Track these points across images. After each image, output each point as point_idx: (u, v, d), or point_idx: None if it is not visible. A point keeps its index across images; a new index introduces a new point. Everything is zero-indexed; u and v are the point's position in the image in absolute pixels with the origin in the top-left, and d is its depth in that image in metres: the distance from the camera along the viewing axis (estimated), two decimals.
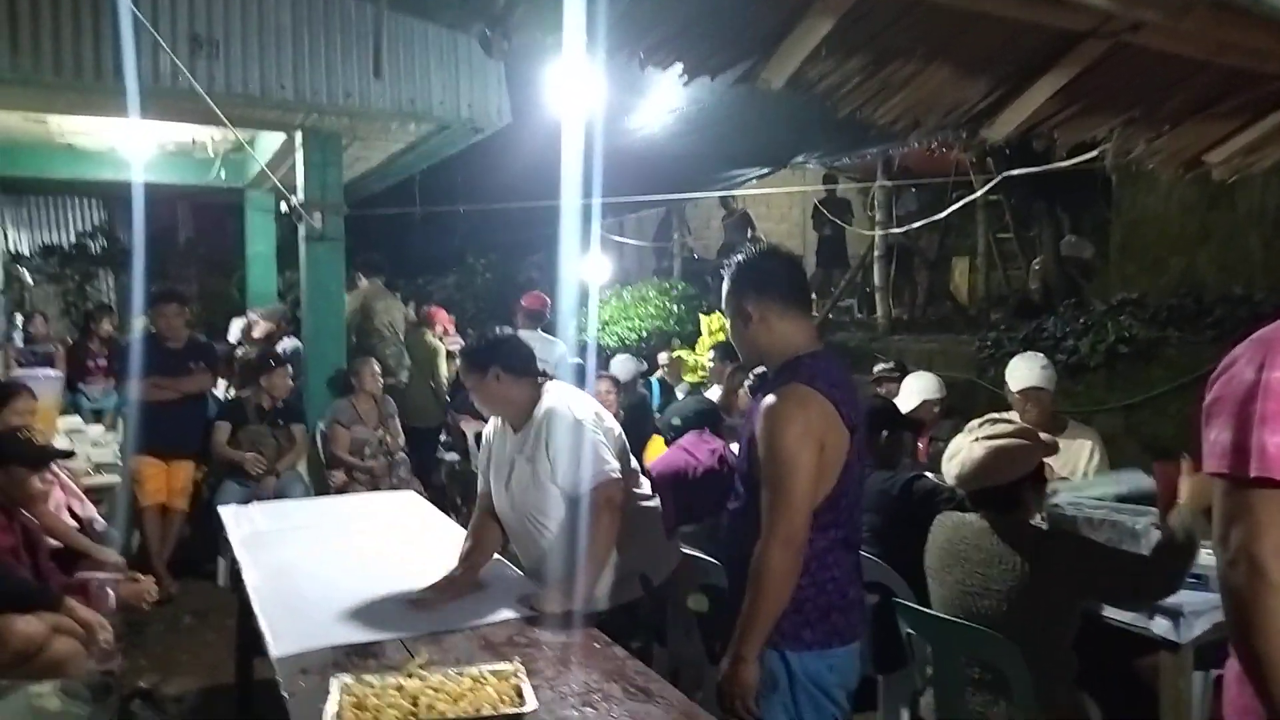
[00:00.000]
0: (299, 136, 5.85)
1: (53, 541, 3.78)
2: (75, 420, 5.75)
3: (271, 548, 3.15)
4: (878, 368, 5.46)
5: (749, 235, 11.02)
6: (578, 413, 2.68)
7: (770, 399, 2.07)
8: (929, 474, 3.37)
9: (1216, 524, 1.26)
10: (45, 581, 3.14)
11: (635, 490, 2.86)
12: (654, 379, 7.09)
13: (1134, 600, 2.55)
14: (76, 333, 8.74)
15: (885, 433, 3.38)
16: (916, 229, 9.27)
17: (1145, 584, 2.40)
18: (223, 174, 8.01)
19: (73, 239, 11.29)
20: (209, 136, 7.10)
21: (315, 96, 4.97)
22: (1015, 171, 5.46)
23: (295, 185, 5.95)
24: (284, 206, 6.04)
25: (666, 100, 5.98)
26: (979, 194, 7.76)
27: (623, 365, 6.83)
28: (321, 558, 3.02)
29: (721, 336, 7.89)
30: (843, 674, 2.15)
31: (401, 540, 3.28)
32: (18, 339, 7.37)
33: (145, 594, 3.33)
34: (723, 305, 2.31)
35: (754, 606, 2.00)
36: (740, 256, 2.27)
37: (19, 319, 7.52)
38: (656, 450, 4.37)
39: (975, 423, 2.63)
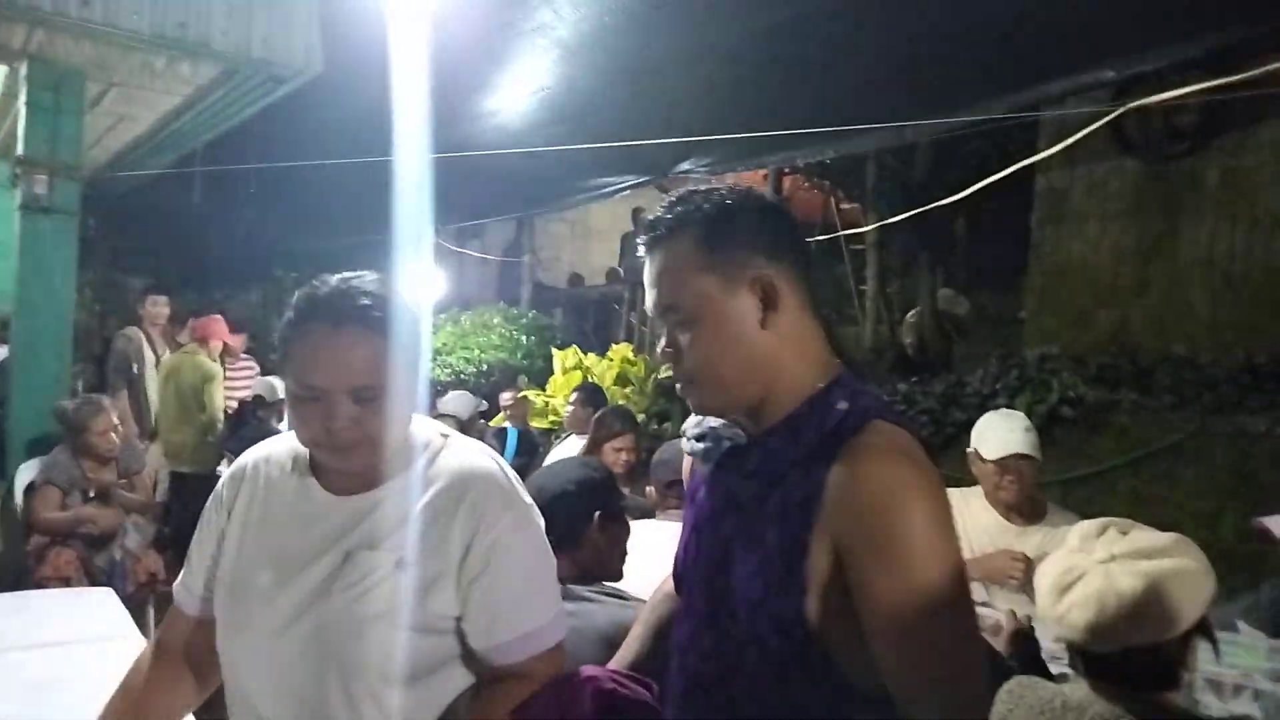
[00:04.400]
0: (22, 69, 4.25)
1: None
2: None
3: None
4: None
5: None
6: (518, 487, 1.31)
7: (855, 462, 1.04)
8: None
9: None
10: None
11: None
12: (509, 425, 5.71)
13: None
14: None
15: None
16: None
17: None
18: None
19: None
20: None
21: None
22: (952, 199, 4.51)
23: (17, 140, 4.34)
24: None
25: (531, 76, 4.78)
26: (865, 228, 6.96)
27: (459, 401, 5.49)
28: None
29: (577, 378, 6.73)
30: None
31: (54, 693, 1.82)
32: None
33: None
34: (669, 281, 1.16)
35: None
36: (715, 191, 1.16)
37: None
38: None
39: (1089, 529, 1.52)
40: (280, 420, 5.90)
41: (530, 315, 9.05)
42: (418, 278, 6.71)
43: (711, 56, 4.33)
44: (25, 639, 2.23)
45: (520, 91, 5.02)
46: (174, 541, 4.72)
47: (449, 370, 8.08)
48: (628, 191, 6.24)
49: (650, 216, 1.20)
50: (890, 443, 1.06)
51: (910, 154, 6.81)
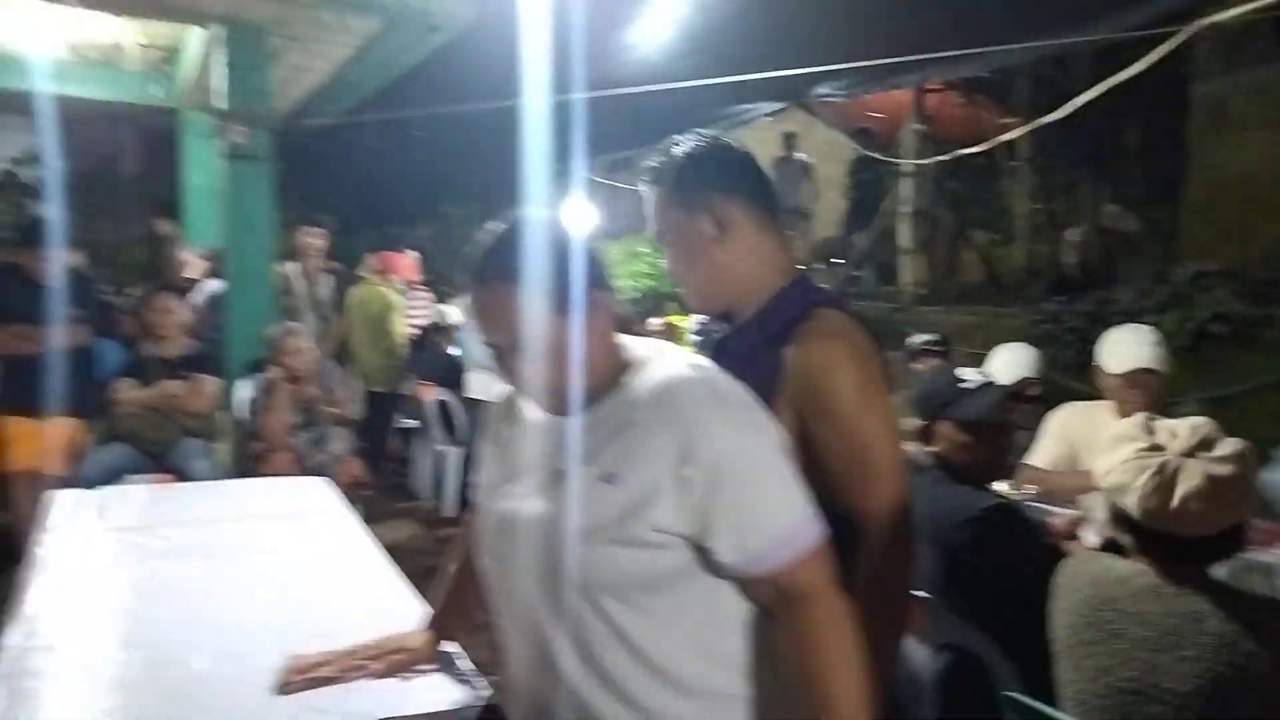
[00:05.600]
0: (217, 31, 4.79)
1: None
2: None
3: (83, 563, 2.18)
4: (915, 339, 4.50)
5: (806, 188, 9.74)
6: (736, 391, 1.28)
7: (802, 343, 1.39)
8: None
9: None
10: None
11: None
12: None
13: None
14: None
15: (989, 425, 2.18)
16: (936, 193, 8.33)
17: None
18: (159, 92, 6.96)
19: (3, 165, 10.18)
20: (130, 40, 6.04)
21: None
22: (1086, 97, 4.27)
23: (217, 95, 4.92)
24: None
25: (668, 9, 4.93)
26: (1017, 132, 6.68)
27: None
28: (146, 584, 2.05)
29: None
30: None
31: (294, 562, 2.29)
32: None
33: None
34: (656, 214, 1.55)
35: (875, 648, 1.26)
36: (688, 143, 1.52)
37: None
38: None
39: (1166, 430, 1.66)
40: (453, 345, 6.48)
41: None
42: (572, 210, 7.08)
43: None
44: (262, 512, 2.75)
45: (659, 23, 5.18)
46: (369, 450, 5.39)
47: None
48: (769, 117, 6.30)
49: (648, 164, 1.56)
50: (827, 325, 1.40)
51: (1067, 64, 6.52)
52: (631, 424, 1.22)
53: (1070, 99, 6.31)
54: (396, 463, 6.68)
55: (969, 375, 2.25)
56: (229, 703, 1.52)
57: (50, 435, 4.32)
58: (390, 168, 9.16)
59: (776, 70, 4.85)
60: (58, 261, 4.26)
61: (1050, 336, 5.26)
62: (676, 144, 1.53)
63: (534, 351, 1.24)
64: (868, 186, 9.54)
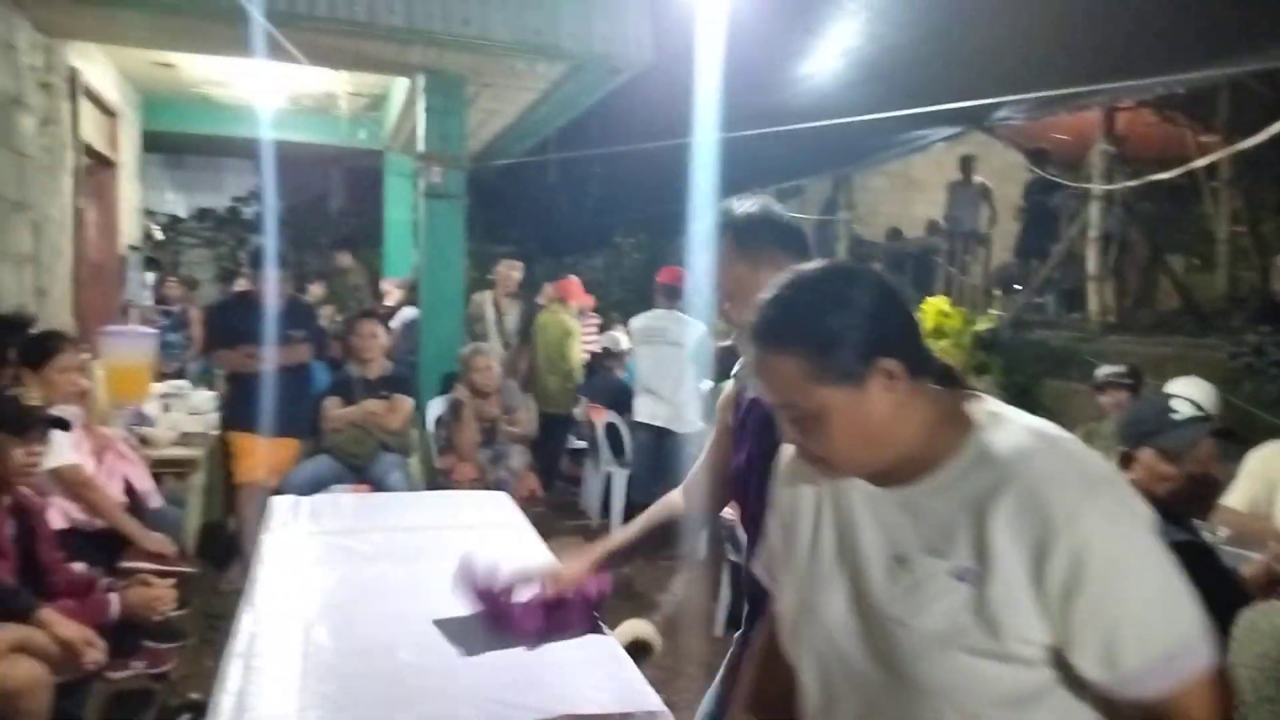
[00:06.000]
0: (420, 81, 5.25)
1: (96, 522, 3.30)
2: (177, 384, 5.35)
3: (303, 561, 2.45)
4: (1103, 372, 4.30)
5: (984, 212, 9.43)
6: (1101, 468, 1.10)
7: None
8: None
9: None
10: (44, 577, 2.56)
11: None
12: None
13: None
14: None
15: (1193, 459, 2.10)
16: (1127, 216, 7.86)
17: None
18: (363, 135, 7.66)
19: (229, 203, 11.37)
20: (341, 89, 6.69)
21: (429, 22, 4.32)
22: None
23: (418, 139, 5.38)
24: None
25: (841, 38, 4.98)
26: (1218, 154, 6.27)
27: None
28: (357, 583, 2.29)
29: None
30: None
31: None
32: (148, 299, 7.20)
33: (156, 601, 2.71)
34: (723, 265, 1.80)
35: None
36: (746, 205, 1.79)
37: (150, 279, 7.37)
38: None
39: None
40: (622, 370, 6.72)
41: None
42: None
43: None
44: (451, 522, 2.99)
45: (830, 54, 5.24)
46: (542, 469, 5.68)
47: None
48: (945, 142, 6.19)
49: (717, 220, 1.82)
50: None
51: (1275, 77, 6.05)
52: (979, 505, 1.04)
53: (1276, 114, 5.86)
54: (567, 481, 6.97)
55: (1181, 405, 2.18)
56: (430, 691, 1.69)
57: (272, 451, 4.83)
58: (566, 200, 9.59)
59: (954, 98, 4.79)
60: (284, 289, 4.73)
61: (1252, 369, 4.89)
62: (736, 205, 1.78)
63: (837, 428, 1.09)
64: (1044, 209, 9.12)
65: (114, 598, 2.61)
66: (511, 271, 6.44)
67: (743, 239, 1.76)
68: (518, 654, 1.87)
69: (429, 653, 1.85)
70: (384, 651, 1.86)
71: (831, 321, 1.07)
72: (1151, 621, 1.00)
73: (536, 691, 1.68)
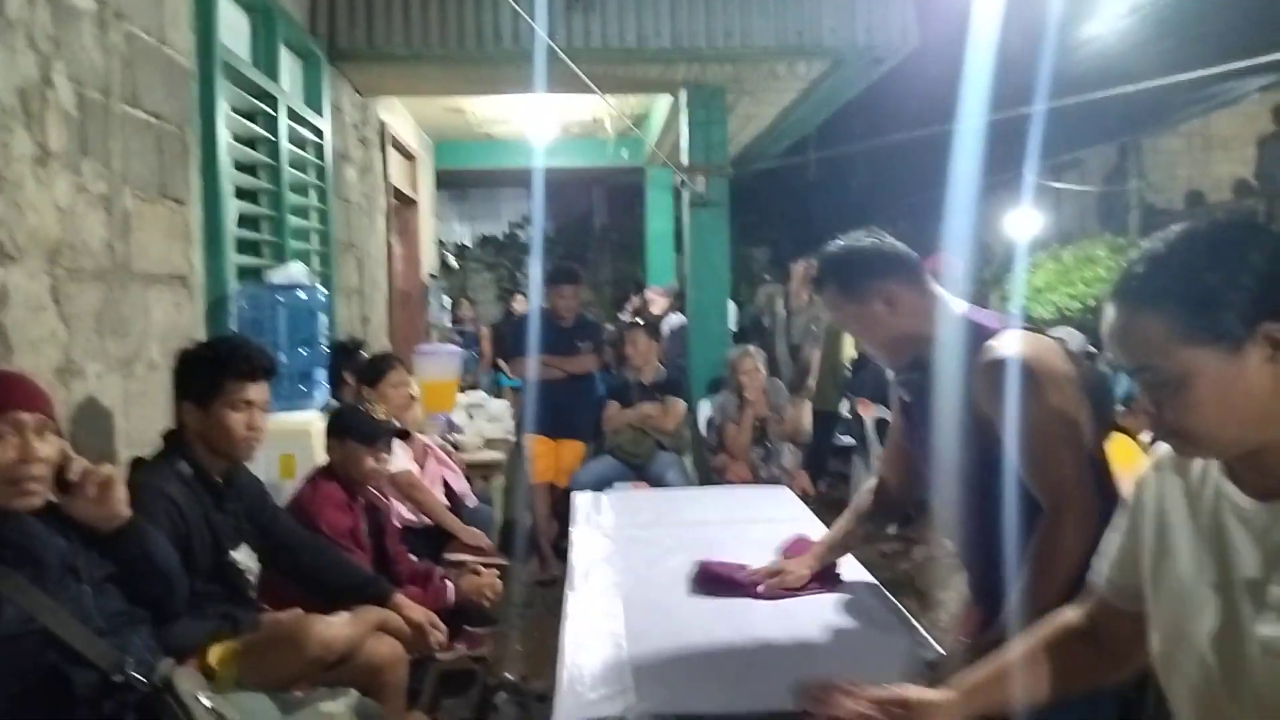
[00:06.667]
0: (683, 96, 5.44)
1: (425, 520, 3.70)
2: (478, 395, 5.89)
3: (611, 551, 2.63)
4: None
5: None
6: None
7: (994, 354, 1.68)
8: None
9: None
10: (391, 567, 2.93)
11: None
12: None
13: None
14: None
15: None
16: None
17: None
18: (624, 154, 8.04)
19: (505, 229, 12.32)
20: (606, 113, 7.06)
21: (693, 40, 4.47)
22: None
23: (681, 151, 5.58)
24: (678, 181, 5.72)
25: None
26: None
27: (1068, 335, 5.49)
28: (666, 571, 2.42)
29: None
30: None
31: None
32: (446, 320, 7.98)
33: (488, 588, 3.00)
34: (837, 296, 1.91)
35: (1038, 590, 1.55)
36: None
37: (447, 302, 8.16)
38: (1123, 454, 3.12)
39: None
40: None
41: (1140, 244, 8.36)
42: (1015, 217, 6.78)
43: None
44: (737, 516, 3.08)
45: (1117, 12, 4.82)
46: (810, 464, 5.67)
47: (1053, 308, 7.94)
48: (1256, 95, 5.50)
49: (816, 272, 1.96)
50: (1011, 339, 1.69)
51: None
52: None
53: None
54: (835, 477, 6.87)
55: None
56: (753, 668, 1.79)
57: (564, 453, 5.22)
58: (824, 196, 9.49)
59: (1267, 44, 4.25)
60: (576, 303, 5.12)
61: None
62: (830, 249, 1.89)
63: (1203, 396, 0.98)
64: None
65: (450, 586, 2.93)
66: (805, 269, 6.34)
67: (839, 282, 1.87)
68: (824, 634, 1.96)
69: (743, 633, 1.94)
70: (701, 633, 1.96)
71: (1210, 277, 0.97)
72: None
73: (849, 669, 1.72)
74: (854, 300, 1.85)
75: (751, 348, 5.52)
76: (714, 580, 2.22)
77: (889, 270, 1.83)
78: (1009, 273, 7.09)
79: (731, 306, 6.39)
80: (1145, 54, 4.91)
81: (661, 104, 6.31)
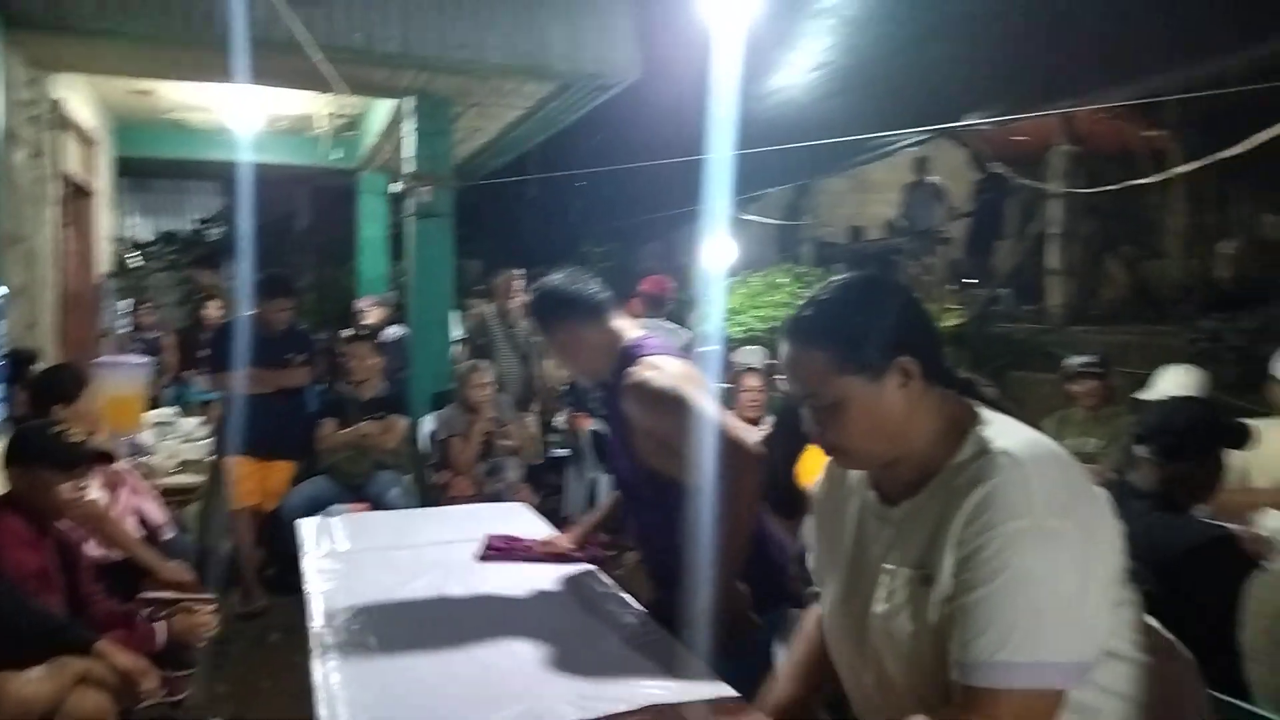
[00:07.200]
0: (408, 103, 5.32)
1: (114, 555, 3.31)
2: (166, 412, 5.34)
3: (352, 579, 2.53)
4: (1073, 361, 4.45)
5: (940, 211, 9.81)
6: (1052, 490, 1.15)
7: (631, 378, 2.11)
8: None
9: None
10: (86, 609, 2.60)
11: None
12: None
13: None
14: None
15: (1194, 454, 2.26)
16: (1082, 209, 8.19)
17: None
18: (339, 155, 7.67)
19: (190, 225, 11.24)
20: (319, 111, 6.72)
21: (425, 48, 4.40)
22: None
23: (402, 160, 5.45)
24: (394, 188, 5.56)
25: (814, 51, 5.16)
26: (1190, 166, 6.59)
27: (755, 356, 6.03)
28: (414, 596, 2.38)
29: None
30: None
31: (518, 572, 2.60)
32: (124, 326, 7.14)
33: (201, 627, 2.76)
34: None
35: (735, 533, 1.98)
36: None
37: (125, 306, 7.30)
38: (815, 465, 3.54)
39: None
40: None
41: (817, 273, 9.39)
42: (712, 246, 7.30)
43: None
44: (479, 534, 3.06)
45: (803, 68, 5.42)
46: (528, 476, 5.74)
47: (741, 328, 8.67)
48: (915, 148, 6.39)
49: None
50: (644, 364, 2.11)
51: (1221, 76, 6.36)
52: (944, 518, 1.16)
53: (1217, 111, 6.14)
54: (548, 489, 7.02)
55: None
56: (517, 690, 1.81)
57: (270, 475, 4.85)
58: (540, 211, 9.66)
59: (924, 106, 5.00)
60: (286, 312, 4.79)
61: (1210, 354, 5.14)
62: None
63: (854, 417, 1.22)
64: (993, 207, 9.55)
65: (159, 627, 2.66)
66: (515, 281, 6.23)
67: (538, 317, 2.28)
68: (599, 649, 2.02)
69: (506, 654, 1.96)
70: (463, 657, 1.96)
71: (859, 319, 1.22)
72: (1005, 631, 1.08)
73: (618, 685, 1.81)
74: (548, 333, 2.27)
75: (482, 363, 5.49)
76: (498, 551, 2.65)
77: (572, 312, 2.21)
78: (704, 296, 7.67)
79: (454, 317, 6.30)
80: (825, 106, 5.57)
81: (380, 108, 6.12)
